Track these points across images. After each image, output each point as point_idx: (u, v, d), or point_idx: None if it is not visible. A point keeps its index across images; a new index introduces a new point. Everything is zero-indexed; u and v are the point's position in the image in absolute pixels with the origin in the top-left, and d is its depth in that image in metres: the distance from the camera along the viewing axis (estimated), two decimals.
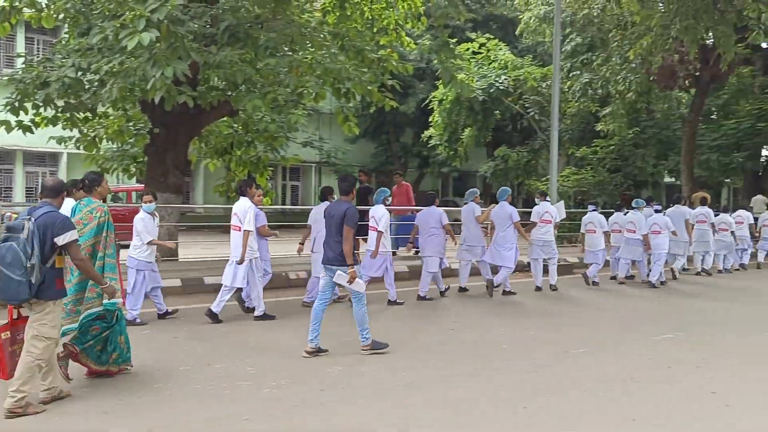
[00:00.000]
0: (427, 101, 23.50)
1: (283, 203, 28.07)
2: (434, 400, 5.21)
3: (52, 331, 4.86)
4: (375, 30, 13.18)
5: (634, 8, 15.87)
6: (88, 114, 10.82)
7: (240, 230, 8.03)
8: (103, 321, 5.55)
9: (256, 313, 8.22)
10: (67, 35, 10.86)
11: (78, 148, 12.52)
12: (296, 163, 16.27)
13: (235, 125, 13.42)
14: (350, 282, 6.51)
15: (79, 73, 9.08)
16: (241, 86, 9.74)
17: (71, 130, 11.49)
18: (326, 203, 9.07)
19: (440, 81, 13.08)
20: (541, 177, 22.68)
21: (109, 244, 5.53)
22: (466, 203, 10.98)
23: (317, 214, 9.21)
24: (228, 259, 8.25)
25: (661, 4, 16.44)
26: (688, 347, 7.25)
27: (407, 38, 14.10)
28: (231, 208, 8.44)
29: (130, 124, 12.60)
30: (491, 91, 21.43)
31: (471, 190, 11.21)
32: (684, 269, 13.84)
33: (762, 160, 23.35)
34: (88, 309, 5.43)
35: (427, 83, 25.36)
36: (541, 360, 6.59)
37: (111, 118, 12.40)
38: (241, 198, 8.25)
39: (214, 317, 7.97)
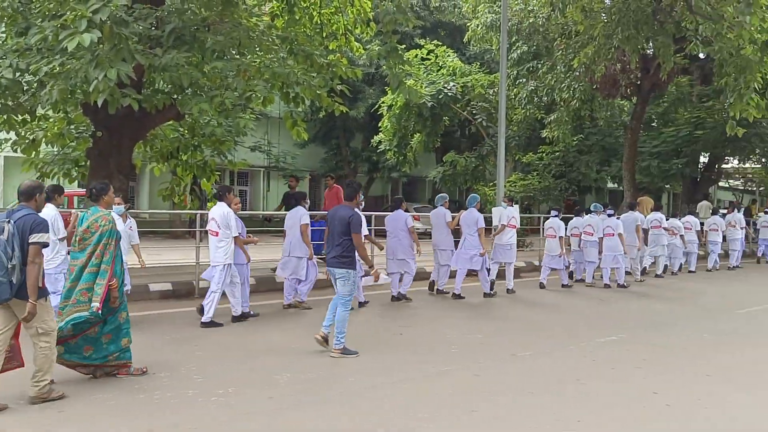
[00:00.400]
0: (377, 106, 23.55)
1: None
2: (380, 406, 5.21)
3: (53, 323, 5.24)
4: (324, 35, 13.13)
5: (578, 18, 16.23)
6: (27, 116, 10.46)
7: (217, 235, 8.15)
8: (107, 325, 5.81)
9: (203, 319, 8.10)
10: (3, 35, 10.46)
11: (15, 151, 12.09)
12: (244, 168, 16.10)
13: (182, 129, 13.17)
14: (376, 280, 7.06)
15: (17, 74, 8.77)
16: (187, 89, 9.57)
17: (8, 133, 11.09)
18: (299, 207, 9.61)
19: (389, 86, 13.14)
20: (489, 182, 22.99)
21: (107, 251, 5.67)
22: (435, 207, 11.36)
23: (290, 219, 9.61)
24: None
25: (603, 15, 16.84)
26: (630, 349, 7.45)
27: (356, 43, 14.08)
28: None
29: (72, 126, 12.22)
30: (440, 97, 21.57)
31: (441, 195, 11.62)
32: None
33: (699, 166, 24.18)
34: (79, 311, 5.56)
35: (377, 88, 25.44)
36: (488, 363, 6.66)
37: (51, 120, 12.01)
38: (219, 203, 8.39)
39: (242, 318, 8.42)
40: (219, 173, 14.51)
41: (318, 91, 10.32)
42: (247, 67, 9.55)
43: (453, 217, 11.21)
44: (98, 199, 5.94)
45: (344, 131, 27.83)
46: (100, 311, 5.56)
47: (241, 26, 9.83)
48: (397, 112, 22.27)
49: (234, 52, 10.06)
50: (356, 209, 7.30)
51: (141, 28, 8.62)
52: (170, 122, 12.13)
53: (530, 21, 19.53)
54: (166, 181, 14.72)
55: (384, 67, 11.49)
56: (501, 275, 11.88)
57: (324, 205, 13.77)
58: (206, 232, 8.65)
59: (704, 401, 5.50)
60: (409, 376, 6.10)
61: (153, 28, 9.22)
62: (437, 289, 11.30)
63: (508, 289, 11.61)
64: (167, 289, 10.23)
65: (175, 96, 10.02)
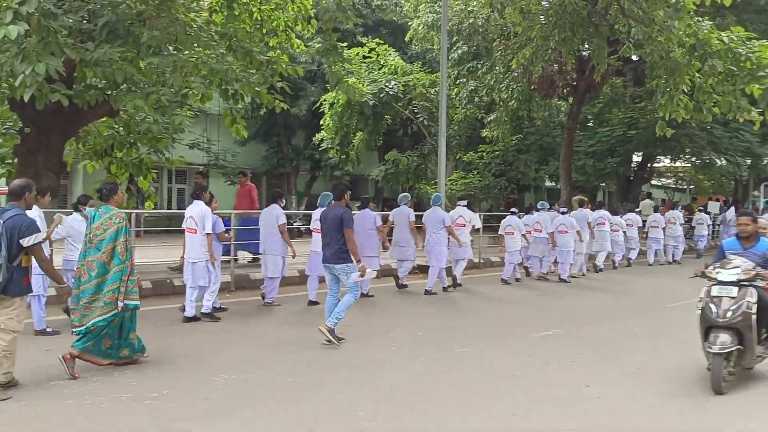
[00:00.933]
0: (318, 104, 23.40)
1: (170, 207, 27.12)
2: (318, 405, 5.19)
3: (18, 325, 5.33)
4: (264, 31, 12.94)
5: (516, 19, 16.49)
6: None
7: (195, 233, 8.44)
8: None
9: (204, 311, 8.44)
10: None
11: None
12: (182, 166, 15.75)
13: (116, 126, 12.79)
14: (362, 275, 7.32)
15: None
16: (121, 85, 9.30)
17: None
18: (274, 206, 9.88)
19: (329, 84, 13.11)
20: (431, 181, 23.18)
21: (124, 251, 6.05)
22: (399, 206, 11.75)
23: (265, 218, 9.86)
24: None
25: (541, 17, 17.15)
26: (565, 343, 7.63)
27: (297, 40, 13.94)
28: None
29: None
30: (381, 96, 21.60)
31: (404, 194, 12.12)
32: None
33: (633, 165, 24.96)
34: (109, 312, 5.90)
35: (319, 86, 25.25)
36: (428, 359, 6.71)
37: None
38: (195, 202, 8.68)
39: (192, 320, 8.35)
40: (156, 171, 14.17)
41: (257, 88, 10.20)
42: (184, 63, 9.36)
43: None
44: (108, 198, 6.26)
45: (286, 129, 27.51)
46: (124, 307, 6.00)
47: (178, 21, 9.61)
48: (339, 110, 22.19)
49: (171, 47, 9.84)
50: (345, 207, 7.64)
51: (71, 21, 8.34)
52: (104, 119, 11.77)
53: (470, 21, 19.71)
54: (100, 180, 14.29)
55: (325, 64, 11.44)
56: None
57: (235, 204, 13.46)
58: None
59: (633, 393, 5.68)
60: (351, 375, 6.09)
61: (84, 22, 8.93)
62: (399, 284, 11.66)
63: (449, 286, 11.84)
64: None
65: (109, 92, 9.73)
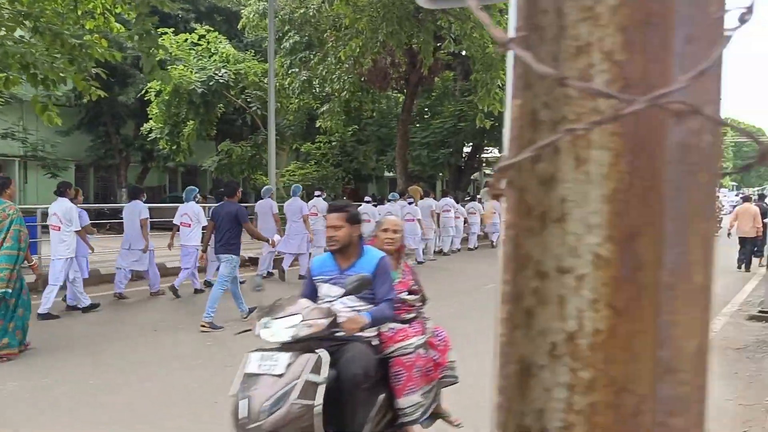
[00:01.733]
0: (143, 92, 22.27)
1: None
2: (119, 407, 5.00)
3: None
4: (80, 13, 12.11)
5: (345, 11, 16.66)
6: None
7: (59, 230, 8.46)
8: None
9: (40, 310, 8.22)
10: None
11: None
12: None
13: None
14: (274, 246, 9.08)
15: None
16: None
17: None
18: (136, 202, 10.06)
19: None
20: (267, 171, 22.90)
21: (22, 237, 6.41)
22: (263, 199, 12.36)
23: (128, 213, 10.12)
24: None
25: (371, 9, 17.42)
26: None
27: (117, 24, 13.16)
28: None
29: None
30: (211, 84, 20.93)
31: (267, 187, 12.87)
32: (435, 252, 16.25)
33: (463, 155, 26.21)
34: None
35: None
36: (239, 353, 6.66)
37: None
38: (60, 198, 8.63)
39: (51, 317, 8.29)
40: None
41: (62, 74, 9.54)
42: None
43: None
44: (1, 192, 6.52)
45: (113, 117, 25.92)
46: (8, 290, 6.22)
47: None
48: (167, 98, 21.27)
49: None
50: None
51: None
52: None
53: (302, 11, 19.60)
54: None
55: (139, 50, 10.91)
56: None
57: None
58: None
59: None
60: (153, 373, 5.92)
61: None
62: (268, 272, 12.30)
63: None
64: None
65: None
